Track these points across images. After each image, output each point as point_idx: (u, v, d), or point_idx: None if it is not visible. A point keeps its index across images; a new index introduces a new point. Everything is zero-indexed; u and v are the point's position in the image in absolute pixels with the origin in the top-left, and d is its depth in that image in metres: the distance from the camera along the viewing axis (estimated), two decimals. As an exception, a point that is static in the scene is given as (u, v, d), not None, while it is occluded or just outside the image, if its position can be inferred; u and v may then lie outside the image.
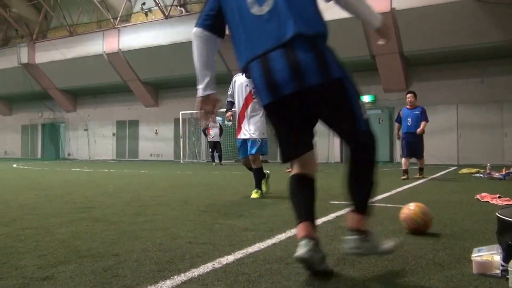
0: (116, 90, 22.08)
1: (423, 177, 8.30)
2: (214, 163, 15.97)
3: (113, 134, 23.29)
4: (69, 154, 24.62)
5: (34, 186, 6.96)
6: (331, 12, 11.53)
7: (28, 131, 26.29)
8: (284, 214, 3.86)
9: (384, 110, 17.68)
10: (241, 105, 5.14)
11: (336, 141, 17.60)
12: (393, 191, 5.99)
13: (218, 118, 19.22)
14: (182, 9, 18.58)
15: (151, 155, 21.86)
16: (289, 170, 10.53)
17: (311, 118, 2.04)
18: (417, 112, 8.48)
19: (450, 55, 14.95)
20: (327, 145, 17.58)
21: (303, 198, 2.06)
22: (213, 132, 15.91)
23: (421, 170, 8.67)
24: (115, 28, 19.52)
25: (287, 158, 2.15)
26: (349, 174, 2.08)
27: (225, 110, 5.60)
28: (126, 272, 2.05)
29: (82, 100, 24.37)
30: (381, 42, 2.15)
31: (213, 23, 2.03)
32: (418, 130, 8.27)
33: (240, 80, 5.20)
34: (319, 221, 3.48)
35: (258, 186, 5.14)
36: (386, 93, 16.41)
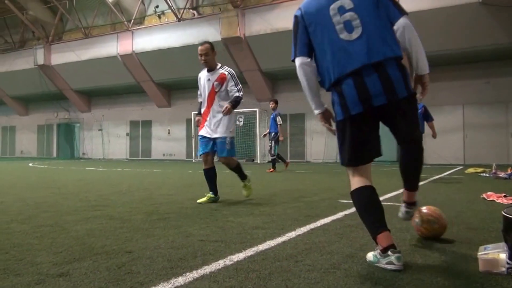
0: (130, 91, 22.34)
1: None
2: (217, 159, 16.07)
3: (127, 134, 23.55)
4: (83, 154, 24.97)
5: (50, 185, 7.10)
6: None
7: (44, 131, 26.74)
8: (294, 213, 3.90)
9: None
10: (206, 101, 4.80)
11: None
12: (400, 190, 5.95)
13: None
14: (195, 12, 18.71)
15: (163, 154, 22.05)
16: (271, 170, 10.51)
17: (378, 126, 2.39)
18: (418, 111, 8.36)
19: (455, 57, 14.92)
20: (336, 145, 17.52)
21: (380, 208, 2.26)
22: None
23: None
24: (129, 30, 19.74)
25: (358, 162, 2.37)
26: (405, 164, 2.44)
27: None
28: (139, 268, 2.11)
29: (97, 101, 24.70)
30: (420, 96, 2.39)
31: (309, 50, 2.38)
32: (432, 134, 7.91)
33: (203, 76, 4.89)
34: (327, 219, 3.52)
35: (243, 177, 4.98)
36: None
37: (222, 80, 4.77)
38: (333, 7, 2.29)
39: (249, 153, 19.07)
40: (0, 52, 24.84)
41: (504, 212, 2.02)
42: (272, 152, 10.77)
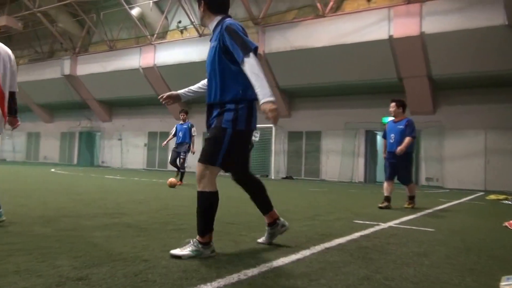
0: (150, 102, 22.70)
1: (412, 207, 6.68)
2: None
3: (145, 145, 23.85)
4: (102, 162, 25.35)
5: (70, 190, 7.24)
6: (360, 34, 11.83)
7: (66, 138, 27.31)
8: (308, 231, 3.90)
9: (410, 132, 17.48)
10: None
11: (361, 161, 17.45)
12: (418, 214, 5.91)
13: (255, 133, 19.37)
14: (216, 28, 19.03)
15: (179, 166, 22.21)
16: (180, 183, 10.16)
17: None
18: (401, 126, 6.71)
19: (479, 80, 14.67)
20: (351, 165, 17.43)
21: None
22: None
23: (411, 198, 6.81)
24: (152, 44, 20.19)
25: (229, 169, 3.06)
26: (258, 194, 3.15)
27: None
28: (155, 277, 2.15)
29: (118, 111, 25.16)
30: (270, 123, 2.65)
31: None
32: (398, 149, 6.48)
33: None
34: (343, 239, 3.51)
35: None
36: (412, 115, 16.15)
37: None
38: None
39: (263, 169, 19.07)
40: (30, 61, 25.67)
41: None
42: (185, 165, 10.37)
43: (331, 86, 17.04)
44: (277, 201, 6.45)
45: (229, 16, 2.91)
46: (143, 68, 20.38)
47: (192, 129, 10.44)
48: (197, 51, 18.47)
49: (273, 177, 18.29)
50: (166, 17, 20.51)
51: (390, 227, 4.45)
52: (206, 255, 2.64)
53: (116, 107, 25.07)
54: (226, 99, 2.76)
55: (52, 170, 16.29)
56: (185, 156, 10.37)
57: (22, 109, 27.08)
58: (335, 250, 3.08)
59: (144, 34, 20.41)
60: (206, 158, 2.72)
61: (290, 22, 16.59)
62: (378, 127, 17.13)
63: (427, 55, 14.16)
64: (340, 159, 17.63)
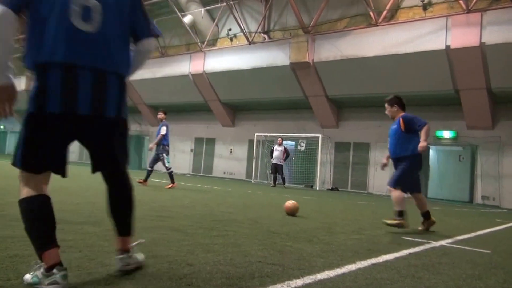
0: (197, 108, 23.21)
1: (427, 229, 5.33)
2: (272, 185, 16.03)
3: (191, 150, 24.35)
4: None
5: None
6: (414, 44, 11.50)
7: (116, 141, 28.42)
8: (354, 245, 3.78)
9: (466, 148, 16.81)
10: None
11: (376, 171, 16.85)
12: (473, 234, 5.59)
13: (290, 143, 19.35)
14: (265, 36, 19.18)
15: (224, 172, 22.47)
16: (170, 186, 9.91)
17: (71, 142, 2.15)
18: (394, 126, 5.47)
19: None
20: (366, 175, 16.94)
21: (51, 221, 1.98)
22: (275, 155, 16.02)
23: (425, 216, 5.35)
24: (202, 51, 20.66)
25: (40, 169, 2.06)
26: (115, 203, 2.31)
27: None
28: (199, 282, 2.15)
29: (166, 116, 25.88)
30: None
31: (22, 4, 1.95)
32: (420, 146, 5.12)
33: None
34: (390, 256, 3.37)
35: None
36: (469, 129, 15.47)
37: None
38: None
39: (308, 179, 18.88)
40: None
41: None
42: (166, 165, 10.20)
43: (382, 97, 16.58)
44: (322, 213, 6.36)
45: None
46: (192, 75, 20.88)
47: (163, 128, 10.31)
48: (246, 59, 18.68)
49: (318, 188, 18.05)
50: (216, 25, 20.93)
51: (442, 246, 4.24)
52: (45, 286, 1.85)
53: (165, 112, 25.82)
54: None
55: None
56: (162, 157, 10.29)
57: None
58: (382, 266, 2.97)
59: (195, 41, 20.92)
60: (13, 160, 2.02)
61: (341, 31, 16.40)
62: (431, 140, 16.49)
63: (487, 67, 13.47)
64: (389, 173, 17.07)
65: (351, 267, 2.85)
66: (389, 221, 5.03)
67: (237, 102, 20.96)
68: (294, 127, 19.36)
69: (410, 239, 4.48)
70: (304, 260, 2.91)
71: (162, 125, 10.19)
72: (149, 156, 26.23)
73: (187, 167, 24.21)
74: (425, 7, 14.87)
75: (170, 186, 9.88)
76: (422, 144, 5.13)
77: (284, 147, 16.14)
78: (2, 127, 37.29)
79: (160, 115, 10.32)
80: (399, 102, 5.68)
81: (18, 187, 1.99)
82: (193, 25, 20.58)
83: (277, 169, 16.03)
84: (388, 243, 4.09)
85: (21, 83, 30.54)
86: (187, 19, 20.21)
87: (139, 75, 23.12)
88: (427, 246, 4.12)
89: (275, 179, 16.29)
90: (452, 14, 13.88)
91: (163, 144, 10.15)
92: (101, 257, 2.49)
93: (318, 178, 18.29)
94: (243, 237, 3.68)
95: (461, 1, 13.68)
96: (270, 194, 11.15)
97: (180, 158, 24.50)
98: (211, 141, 23.49)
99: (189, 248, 3.00)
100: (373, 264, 3.00)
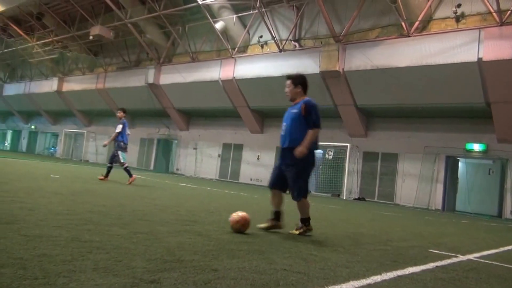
0: (226, 114, 23.39)
1: (301, 233, 4.70)
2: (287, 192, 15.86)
3: (219, 155, 24.52)
4: (177, 169, 26.47)
5: (146, 195, 7.61)
6: (446, 55, 11.28)
7: (145, 144, 28.94)
8: (380, 256, 3.70)
9: (496, 161, 16.39)
10: None
11: (439, 188, 16.43)
12: (501, 249, 5.39)
13: (318, 151, 19.17)
14: (296, 44, 19.18)
15: (251, 179, 22.50)
16: (132, 179, 9.88)
17: None
18: (295, 110, 4.74)
19: None
20: (429, 191, 16.45)
21: None
22: None
23: (302, 221, 4.82)
24: (232, 57, 20.84)
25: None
26: None
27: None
28: (223, 288, 2.16)
29: (195, 121, 26.23)
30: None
31: None
32: (298, 150, 4.53)
33: None
34: (417, 268, 3.28)
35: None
36: (500, 143, 15.00)
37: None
38: None
39: (335, 188, 18.66)
40: (118, 69, 27.80)
41: None
42: (122, 161, 10.25)
43: (411, 108, 16.32)
44: (349, 222, 6.26)
45: None
46: (222, 80, 21.07)
47: (119, 126, 10.40)
48: (276, 66, 18.72)
49: (344, 197, 17.81)
50: (248, 32, 21.08)
51: (470, 260, 4.11)
52: None
53: (193, 117, 26.15)
54: None
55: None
56: (117, 152, 10.43)
57: (107, 113, 29.32)
58: (407, 279, 2.90)
59: (226, 48, 21.14)
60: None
61: (372, 41, 16.22)
62: (460, 153, 16.04)
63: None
64: (417, 184, 16.73)
65: (377, 278, 2.79)
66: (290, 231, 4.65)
67: (266, 109, 21.00)
68: (322, 135, 18.84)
69: (437, 251, 4.36)
70: (329, 270, 2.87)
71: (120, 123, 10.47)
72: (176, 159, 26.71)
73: (214, 173, 24.38)
74: (457, 19, 14.56)
75: (130, 181, 9.97)
76: (300, 149, 4.45)
77: None
78: (33, 127, 38.87)
79: (119, 113, 10.60)
80: (304, 83, 4.81)
81: None
82: (225, 31, 20.79)
83: None
84: (415, 255, 3.99)
85: (53, 84, 31.78)
86: (218, 26, 20.45)
87: (170, 79, 23.55)
88: (454, 260, 4.01)
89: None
90: (485, 26, 13.56)
91: (118, 141, 10.41)
92: (127, 259, 2.52)
93: (345, 187, 18.06)
94: (267, 244, 3.66)
95: (494, 14, 13.34)
96: (295, 203, 11.05)
97: (208, 163, 24.72)
98: (238, 147, 23.59)
99: (214, 253, 3.01)
100: (399, 276, 2.94)
